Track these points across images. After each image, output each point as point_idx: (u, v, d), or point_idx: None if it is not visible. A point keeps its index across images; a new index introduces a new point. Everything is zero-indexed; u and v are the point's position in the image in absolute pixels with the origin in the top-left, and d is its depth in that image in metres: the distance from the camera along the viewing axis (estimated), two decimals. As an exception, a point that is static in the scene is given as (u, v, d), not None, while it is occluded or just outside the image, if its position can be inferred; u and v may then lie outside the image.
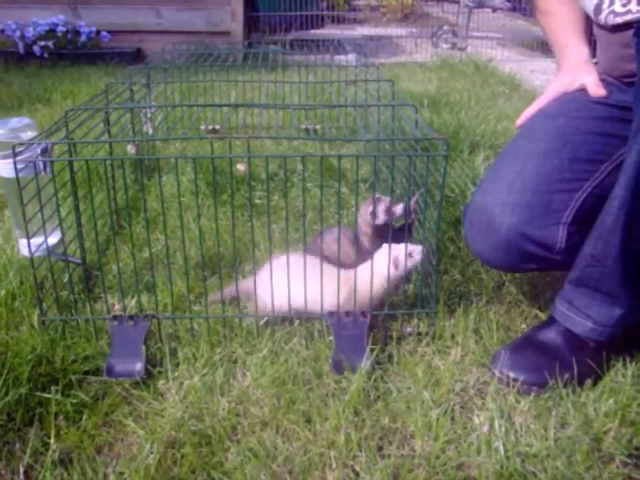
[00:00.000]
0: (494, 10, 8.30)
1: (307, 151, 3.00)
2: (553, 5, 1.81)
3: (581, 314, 1.54)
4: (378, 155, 1.62)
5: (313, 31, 7.66)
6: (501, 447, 1.32)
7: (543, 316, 1.77)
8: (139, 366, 1.54)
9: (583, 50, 1.75)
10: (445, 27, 7.40)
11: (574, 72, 1.72)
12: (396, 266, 1.64)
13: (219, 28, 5.93)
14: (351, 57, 3.66)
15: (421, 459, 1.30)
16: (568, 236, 1.50)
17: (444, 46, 7.21)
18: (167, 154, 2.99)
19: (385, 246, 1.65)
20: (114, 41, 5.72)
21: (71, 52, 5.53)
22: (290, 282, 1.59)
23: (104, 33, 5.66)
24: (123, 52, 5.66)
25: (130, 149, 2.75)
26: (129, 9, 5.88)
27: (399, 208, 1.75)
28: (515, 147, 1.64)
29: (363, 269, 1.68)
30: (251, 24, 6.30)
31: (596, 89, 1.64)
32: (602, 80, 1.68)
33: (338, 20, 8.81)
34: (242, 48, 4.15)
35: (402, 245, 1.65)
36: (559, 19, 1.80)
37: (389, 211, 1.74)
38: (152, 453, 1.31)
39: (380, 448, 1.34)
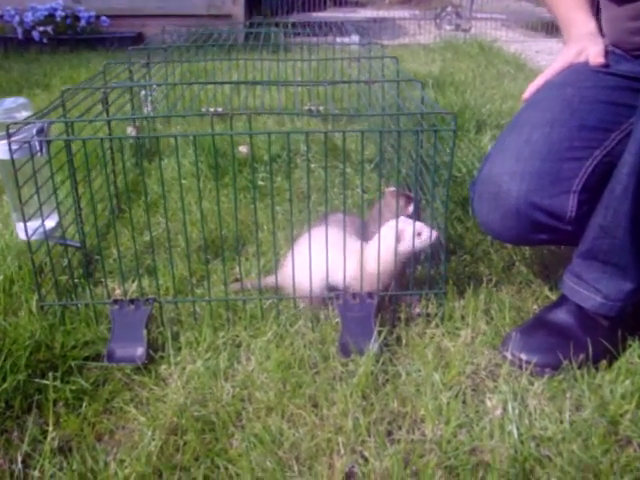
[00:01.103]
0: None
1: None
2: None
3: (590, 288, 1.49)
4: (384, 130, 1.56)
5: (315, 13, 7.59)
6: (515, 431, 1.27)
7: (554, 296, 1.72)
8: (140, 351, 1.49)
9: (590, 23, 1.71)
10: (449, 8, 7.32)
11: (581, 43, 1.67)
12: (401, 239, 1.59)
13: (221, 11, 5.87)
14: (354, 38, 3.61)
15: (432, 444, 1.25)
16: (579, 205, 1.46)
17: (448, 28, 7.14)
18: (169, 139, 2.94)
19: (392, 221, 1.60)
20: (114, 26, 5.66)
21: (70, 37, 5.48)
22: (320, 260, 1.57)
23: (104, 18, 5.61)
24: (123, 37, 5.60)
25: (130, 131, 2.70)
26: (129, -7, 5.82)
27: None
28: (522, 118, 1.60)
29: (371, 245, 1.63)
30: (252, 7, 6.23)
31: (596, 58, 1.60)
32: (610, 52, 1.64)
33: (340, 3, 8.73)
34: (244, 37, 4.09)
35: (410, 221, 1.59)
36: None
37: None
38: (154, 440, 1.27)
39: (389, 433, 1.30)
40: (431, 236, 1.59)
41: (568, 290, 1.53)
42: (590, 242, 1.46)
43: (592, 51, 1.62)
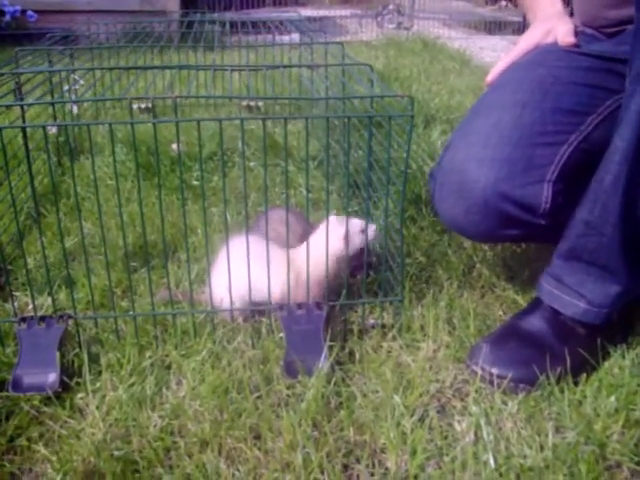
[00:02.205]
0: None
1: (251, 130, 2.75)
2: None
3: (573, 293, 1.33)
4: (330, 116, 1.37)
5: (254, 11, 7.39)
6: (491, 460, 1.10)
7: (522, 301, 1.56)
8: (52, 377, 1.28)
9: (556, 3, 1.57)
10: (390, 7, 7.21)
11: (549, 22, 1.53)
12: (345, 241, 1.41)
13: (154, 7, 5.61)
14: (295, 37, 3.43)
15: (396, 480, 1.07)
16: (553, 196, 1.31)
17: (389, 26, 7.02)
18: (95, 136, 2.71)
19: (330, 219, 1.42)
20: (42, 21, 5.35)
21: (-5, 33, 5.17)
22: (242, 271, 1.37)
23: (30, 13, 5.30)
24: (52, 33, 5.30)
25: (50, 130, 2.46)
26: (56, -13, 5.53)
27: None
28: (488, 99, 1.44)
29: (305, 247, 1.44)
30: (188, 2, 5.99)
31: (565, 37, 1.45)
32: (580, 32, 1.50)
33: (280, 2, 8.55)
34: (178, 26, 3.88)
35: (352, 220, 1.43)
36: None
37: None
38: (64, 487, 1.06)
39: (346, 467, 1.11)
40: (370, 232, 1.45)
41: (546, 295, 1.37)
42: (573, 240, 1.30)
43: (561, 30, 1.47)
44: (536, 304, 1.40)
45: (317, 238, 1.43)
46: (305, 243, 1.43)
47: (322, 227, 1.43)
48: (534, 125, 1.33)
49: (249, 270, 1.36)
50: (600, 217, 1.23)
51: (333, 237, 1.40)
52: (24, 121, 1.83)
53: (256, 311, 1.45)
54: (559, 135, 1.33)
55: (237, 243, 1.39)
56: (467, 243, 1.79)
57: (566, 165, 1.32)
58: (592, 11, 1.48)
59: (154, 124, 1.26)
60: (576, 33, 1.49)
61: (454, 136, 1.44)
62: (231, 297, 1.40)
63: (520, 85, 1.40)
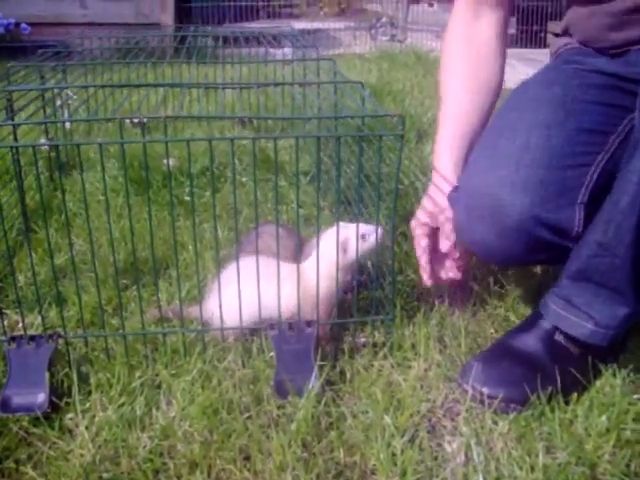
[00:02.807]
0: (431, 4, 8.17)
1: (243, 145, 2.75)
2: (453, 87, 1.61)
3: (581, 314, 1.31)
4: (321, 135, 1.37)
5: (248, 24, 7.40)
6: (482, 482, 1.09)
7: (514, 318, 1.56)
8: (41, 398, 1.26)
9: (446, 155, 1.54)
10: (383, 19, 7.23)
11: (435, 203, 1.52)
12: (345, 250, 1.41)
13: (149, 19, 5.63)
14: (287, 50, 3.44)
15: (386, 503, 1.07)
16: (585, 219, 1.28)
17: (383, 38, 7.04)
18: (88, 152, 2.71)
19: (332, 229, 1.42)
20: (35, 34, 5.35)
21: (-12, 46, 5.17)
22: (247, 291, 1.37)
23: (24, 25, 5.31)
24: (46, 46, 5.31)
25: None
26: (51, -1, 5.54)
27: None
28: (509, 120, 1.41)
29: (309, 263, 1.44)
30: (182, 15, 6.01)
31: (445, 242, 1.49)
32: (575, 48, 1.49)
33: (274, 15, 8.57)
34: (172, 40, 3.88)
35: (352, 225, 1.41)
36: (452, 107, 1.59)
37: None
38: (52, 511, 1.05)
39: (336, 489, 1.11)
40: (377, 235, 1.43)
41: (553, 317, 1.35)
42: (584, 261, 1.28)
43: (446, 230, 1.48)
44: (530, 323, 1.39)
45: (321, 251, 1.41)
46: (309, 260, 1.44)
47: (325, 242, 1.43)
48: (563, 147, 1.31)
49: (258, 287, 1.36)
50: (614, 238, 1.22)
51: (332, 247, 1.40)
52: (16, 138, 1.84)
53: (249, 330, 1.45)
54: (586, 156, 1.32)
55: (239, 263, 1.38)
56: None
57: (595, 187, 1.30)
58: (593, 33, 1.45)
59: (144, 144, 1.26)
60: (571, 49, 1.49)
61: (477, 157, 1.41)
62: (222, 315, 1.39)
63: (540, 104, 1.38)
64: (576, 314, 1.31)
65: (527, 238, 1.30)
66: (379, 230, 1.43)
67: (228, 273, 1.41)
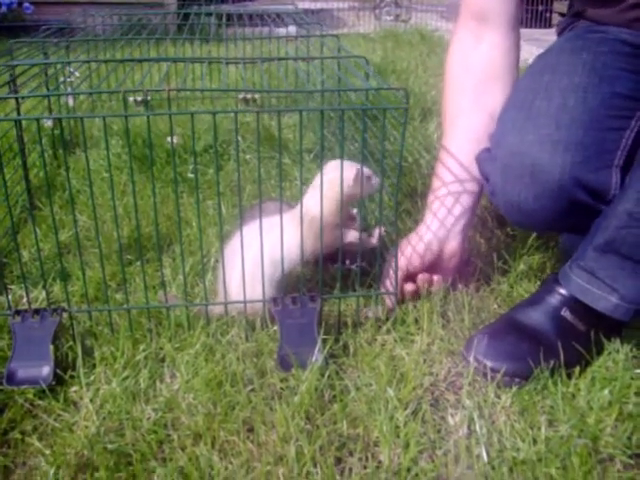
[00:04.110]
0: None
1: (246, 122, 2.75)
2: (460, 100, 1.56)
3: (606, 287, 1.29)
4: (325, 109, 1.36)
5: (251, 3, 7.36)
6: (484, 454, 1.10)
7: (517, 294, 1.56)
8: (46, 370, 1.27)
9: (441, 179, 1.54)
10: (387, -1, 7.19)
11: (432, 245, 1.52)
12: (354, 181, 1.40)
13: (151, -1, 5.60)
14: (292, 29, 3.42)
15: (389, 473, 1.07)
16: (621, 182, 1.28)
17: (387, 18, 7.00)
18: (91, 129, 2.71)
19: (334, 162, 1.41)
20: (38, 13, 5.34)
21: (-10, 25, 5.16)
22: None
23: (26, 4, 5.29)
24: (49, 27, 5.29)
25: (45, 122, 2.46)
26: (53, -22, 5.51)
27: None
28: (541, 82, 1.38)
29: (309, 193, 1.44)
30: (185, -6, 5.98)
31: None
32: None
33: (277, -6, 8.51)
34: (174, 19, 3.86)
35: (355, 165, 1.41)
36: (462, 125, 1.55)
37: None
38: (57, 480, 1.06)
39: (339, 461, 1.11)
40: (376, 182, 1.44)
41: (577, 289, 1.33)
42: (612, 232, 1.26)
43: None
44: (537, 298, 1.39)
45: (325, 179, 1.37)
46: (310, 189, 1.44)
47: (327, 169, 1.42)
48: (600, 109, 1.30)
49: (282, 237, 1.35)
50: None
51: (345, 176, 1.37)
52: (19, 113, 1.84)
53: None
54: (622, 120, 1.31)
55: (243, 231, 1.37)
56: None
57: (631, 150, 1.29)
58: (607, 17, 1.45)
59: (148, 117, 1.25)
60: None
61: (512, 116, 1.38)
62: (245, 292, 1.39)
63: (574, 68, 1.36)
64: (600, 287, 1.29)
65: (565, 200, 1.28)
66: (376, 178, 1.44)
67: (235, 247, 1.40)
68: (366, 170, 1.42)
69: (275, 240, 1.35)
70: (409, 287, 1.51)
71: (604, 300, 1.29)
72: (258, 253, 1.35)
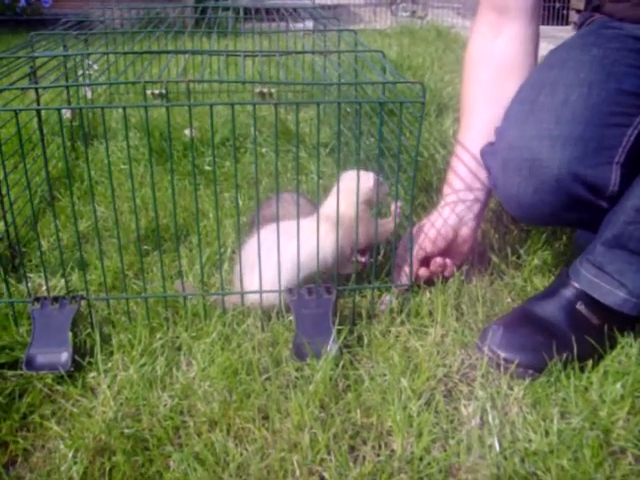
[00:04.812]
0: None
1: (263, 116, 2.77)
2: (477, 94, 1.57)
3: (614, 282, 1.30)
4: (342, 101, 1.38)
5: (267, -1, 7.38)
6: (496, 444, 1.11)
7: (530, 288, 1.56)
8: (65, 357, 1.29)
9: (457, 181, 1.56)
10: (404, -5, 7.19)
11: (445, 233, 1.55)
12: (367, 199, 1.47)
13: (169, -6, 5.62)
14: (308, 24, 3.43)
15: (402, 462, 1.08)
16: (621, 179, 1.29)
17: (403, 14, 7.01)
18: (109, 121, 2.73)
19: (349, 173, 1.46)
20: (56, 7, 5.38)
21: (9, 18, 5.20)
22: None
23: (45, -2, 5.34)
24: (68, 20, 5.33)
25: (64, 114, 2.48)
26: (71, -28, 5.54)
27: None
28: (548, 77, 1.40)
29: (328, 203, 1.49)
30: (202, -11, 6.00)
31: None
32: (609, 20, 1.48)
33: (294, -11, 8.52)
34: (192, 12, 3.88)
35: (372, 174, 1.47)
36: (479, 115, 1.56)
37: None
38: (76, 464, 1.08)
39: (352, 449, 1.12)
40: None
41: (586, 284, 1.34)
42: (620, 227, 1.28)
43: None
44: (552, 291, 1.39)
45: (344, 188, 1.41)
46: (331, 197, 1.48)
47: (345, 179, 1.46)
48: (602, 105, 1.31)
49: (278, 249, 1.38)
50: None
51: (362, 184, 1.40)
52: (39, 104, 1.86)
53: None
54: (625, 117, 1.31)
55: (261, 233, 1.38)
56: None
57: (632, 148, 1.30)
58: (623, 11, 1.46)
59: (167, 108, 1.27)
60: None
61: (515, 111, 1.40)
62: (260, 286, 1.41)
63: (581, 64, 1.37)
64: (609, 282, 1.31)
65: (564, 194, 1.30)
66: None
67: (252, 246, 1.41)
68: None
69: (303, 244, 1.38)
70: (423, 272, 1.53)
71: (612, 295, 1.31)
72: (283, 259, 1.38)
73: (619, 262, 1.30)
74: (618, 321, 1.34)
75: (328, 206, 1.47)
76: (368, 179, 1.46)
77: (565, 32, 5.00)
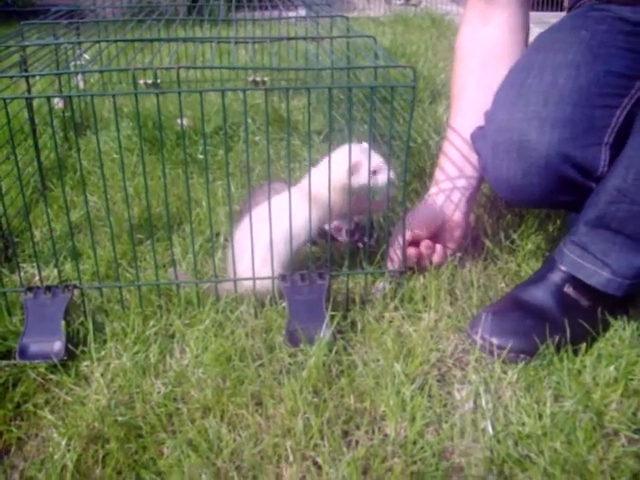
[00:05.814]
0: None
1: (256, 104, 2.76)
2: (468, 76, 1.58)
3: (597, 262, 1.31)
4: (333, 87, 1.37)
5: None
6: (489, 428, 1.11)
7: (524, 273, 1.56)
8: (58, 346, 1.29)
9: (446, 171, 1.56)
10: (398, -18, 7.16)
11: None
12: (354, 172, 1.40)
13: (161, -17, 5.60)
14: (301, 12, 3.42)
15: (395, 446, 1.08)
16: (610, 160, 1.29)
17: (397, 2, 6.98)
18: (102, 111, 2.72)
19: (345, 147, 1.41)
20: (48, -2, 5.35)
21: (1, 10, 5.16)
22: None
23: (37, -12, 5.31)
24: (59, 10, 5.30)
25: (56, 104, 2.47)
26: (62, -38, 5.51)
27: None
28: (536, 59, 1.40)
29: (317, 171, 1.45)
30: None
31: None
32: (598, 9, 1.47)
33: (287, -22, 8.48)
34: (184, 1, 3.86)
35: (366, 148, 1.41)
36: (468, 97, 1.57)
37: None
38: (69, 451, 1.08)
39: (346, 434, 1.12)
40: (388, 177, 1.42)
41: (570, 264, 1.35)
42: (602, 207, 1.28)
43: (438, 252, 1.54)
44: (539, 276, 1.40)
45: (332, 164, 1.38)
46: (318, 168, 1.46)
47: (337, 152, 1.43)
48: (590, 86, 1.31)
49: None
50: (634, 184, 1.22)
51: (338, 167, 1.39)
52: (30, 93, 1.85)
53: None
54: (614, 98, 1.31)
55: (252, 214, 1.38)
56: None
57: (621, 129, 1.30)
58: None
59: (157, 95, 1.26)
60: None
61: (504, 94, 1.40)
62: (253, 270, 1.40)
63: (569, 46, 1.37)
64: (592, 262, 1.31)
65: (553, 175, 1.30)
66: (391, 172, 1.42)
67: (244, 229, 1.41)
68: (376, 164, 1.43)
69: (285, 219, 1.36)
70: (411, 250, 1.53)
71: (597, 275, 1.32)
72: (268, 235, 1.36)
73: (602, 242, 1.30)
74: (608, 303, 1.34)
75: (304, 182, 1.45)
76: (344, 163, 1.40)
77: (559, 18, 4.97)
